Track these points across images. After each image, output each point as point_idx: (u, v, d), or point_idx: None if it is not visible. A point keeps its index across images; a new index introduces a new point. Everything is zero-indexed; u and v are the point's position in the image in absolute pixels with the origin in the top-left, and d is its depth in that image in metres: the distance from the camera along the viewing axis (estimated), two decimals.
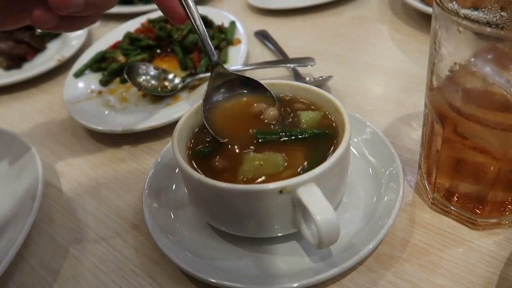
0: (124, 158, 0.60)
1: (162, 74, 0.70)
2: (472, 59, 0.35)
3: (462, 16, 0.39)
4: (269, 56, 0.80)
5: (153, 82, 0.69)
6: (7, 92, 0.80)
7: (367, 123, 0.52)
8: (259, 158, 0.40)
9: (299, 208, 0.37)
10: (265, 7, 0.96)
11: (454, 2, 0.38)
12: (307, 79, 0.66)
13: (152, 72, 0.70)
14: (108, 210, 0.52)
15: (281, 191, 0.36)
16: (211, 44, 0.48)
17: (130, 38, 0.80)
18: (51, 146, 0.65)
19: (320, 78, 0.64)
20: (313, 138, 0.43)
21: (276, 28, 0.89)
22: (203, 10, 0.90)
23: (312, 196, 0.35)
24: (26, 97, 0.79)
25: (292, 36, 0.86)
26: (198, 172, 0.39)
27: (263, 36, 0.86)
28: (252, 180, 0.39)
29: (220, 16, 0.86)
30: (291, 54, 0.76)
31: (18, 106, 0.76)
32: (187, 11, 0.46)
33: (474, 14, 0.40)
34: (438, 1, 0.34)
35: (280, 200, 0.36)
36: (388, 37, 0.80)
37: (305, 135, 0.43)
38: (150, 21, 0.86)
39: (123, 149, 0.62)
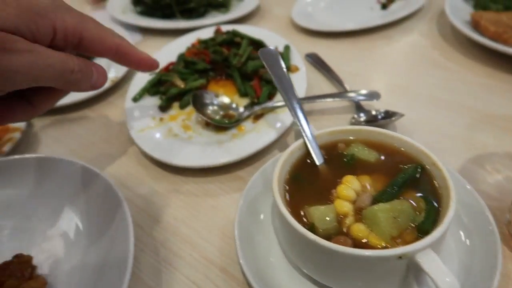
0: (196, 193, 0.60)
1: (224, 102, 0.70)
2: None
3: None
4: (323, 83, 0.80)
5: (216, 109, 0.69)
6: (59, 112, 0.80)
7: (449, 168, 0.52)
8: (391, 209, 0.41)
9: (413, 272, 0.38)
10: (312, 29, 0.95)
11: None
12: (373, 112, 0.67)
13: (215, 100, 0.70)
14: (192, 250, 0.52)
15: (400, 257, 0.37)
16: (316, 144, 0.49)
17: (185, 61, 0.80)
18: (118, 175, 0.65)
19: (392, 118, 0.63)
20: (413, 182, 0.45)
21: (324, 50, 0.89)
22: (245, 29, 0.89)
23: (433, 263, 0.36)
24: (80, 118, 0.78)
25: (341, 60, 0.86)
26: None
27: (314, 60, 0.86)
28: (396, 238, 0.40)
29: (271, 38, 0.85)
30: (344, 81, 0.76)
31: (75, 129, 0.76)
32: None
33: None
34: None
35: (397, 265, 0.37)
36: (443, 67, 0.80)
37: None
38: (202, 42, 0.86)
39: (193, 181, 0.62)
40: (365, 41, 0.91)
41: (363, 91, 0.69)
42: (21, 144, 0.72)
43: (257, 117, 0.69)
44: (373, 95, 0.67)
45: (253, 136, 0.64)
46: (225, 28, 0.91)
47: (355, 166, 0.48)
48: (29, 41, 0.35)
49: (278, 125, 0.65)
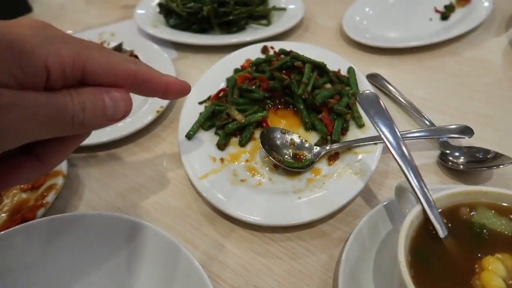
0: (277, 253, 0.53)
1: (295, 141, 0.62)
2: None
3: None
4: (395, 111, 0.72)
5: (288, 150, 0.62)
6: (100, 148, 0.72)
7: None
8: None
9: None
10: (371, 45, 0.86)
11: None
12: (465, 149, 0.58)
13: (284, 138, 0.62)
14: None
15: None
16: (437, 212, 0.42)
17: (240, 89, 0.71)
18: (180, 228, 0.57)
19: (500, 166, 0.54)
20: None
21: (384, 69, 0.81)
22: (294, 46, 0.81)
23: None
24: (126, 156, 0.70)
25: (408, 81, 0.78)
26: None
27: (377, 82, 0.77)
28: None
29: (328, 57, 0.77)
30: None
31: (119, 169, 0.68)
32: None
33: None
34: None
35: None
36: None
37: None
38: (253, 64, 0.77)
39: (270, 238, 0.54)
40: (431, 58, 0.83)
41: (453, 126, 0.61)
42: (63, 189, 0.65)
43: (332, 157, 0.61)
44: (465, 132, 0.59)
45: (335, 184, 0.56)
46: (269, 44, 0.83)
47: (489, 240, 0.40)
48: (13, 91, 0.27)
49: (361, 168, 0.57)
